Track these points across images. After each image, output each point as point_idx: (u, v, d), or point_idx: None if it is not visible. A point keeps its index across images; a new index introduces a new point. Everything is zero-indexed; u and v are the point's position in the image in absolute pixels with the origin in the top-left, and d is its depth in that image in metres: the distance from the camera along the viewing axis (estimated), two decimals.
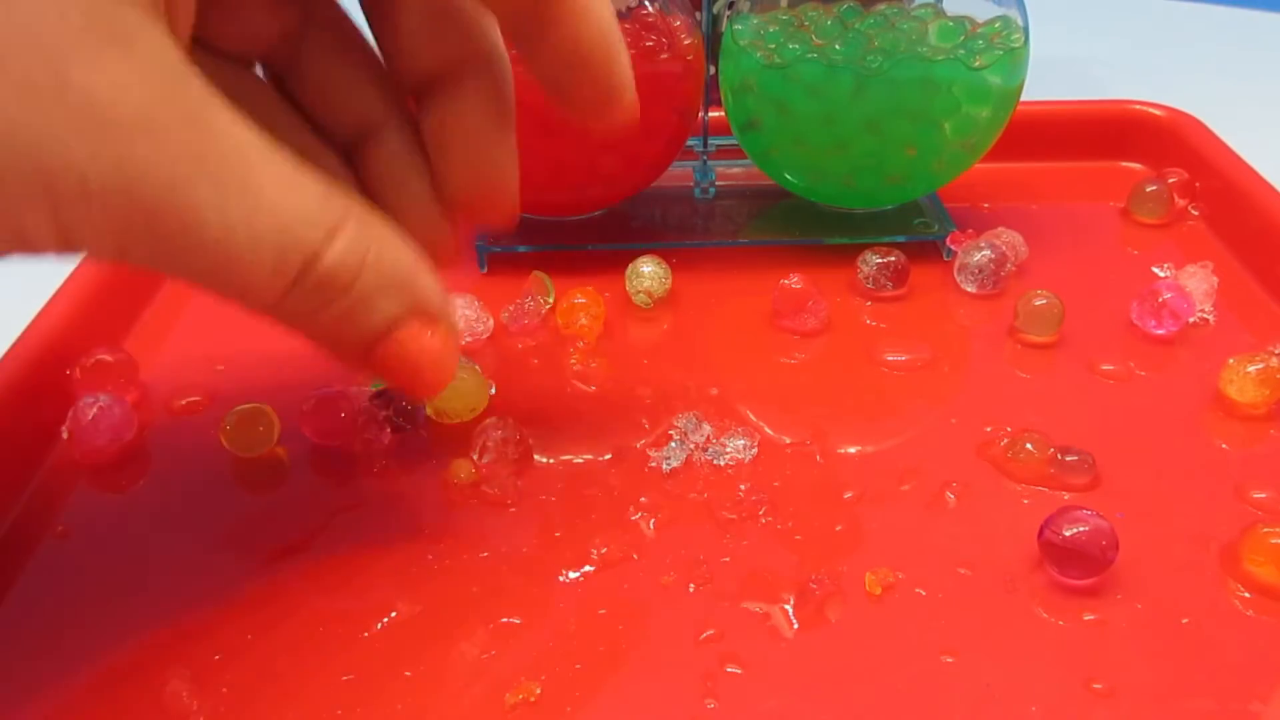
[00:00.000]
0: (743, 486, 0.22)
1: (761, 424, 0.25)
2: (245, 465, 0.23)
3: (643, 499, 0.22)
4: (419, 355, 0.17)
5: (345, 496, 0.22)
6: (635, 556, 0.21)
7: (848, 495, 0.22)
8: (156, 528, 0.22)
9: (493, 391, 0.25)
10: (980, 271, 0.29)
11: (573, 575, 0.20)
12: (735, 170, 0.35)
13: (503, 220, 0.20)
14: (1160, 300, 0.27)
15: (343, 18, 0.19)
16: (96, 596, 0.20)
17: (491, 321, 0.28)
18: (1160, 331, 0.27)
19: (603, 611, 0.20)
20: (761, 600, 0.20)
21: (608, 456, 0.23)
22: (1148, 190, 0.33)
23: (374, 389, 0.24)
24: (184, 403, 0.25)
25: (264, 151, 0.14)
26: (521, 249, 0.31)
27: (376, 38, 0.19)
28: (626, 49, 0.18)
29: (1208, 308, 0.28)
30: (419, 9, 0.18)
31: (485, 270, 0.31)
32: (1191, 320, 0.28)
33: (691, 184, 0.34)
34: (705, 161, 0.34)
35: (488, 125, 0.19)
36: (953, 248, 0.31)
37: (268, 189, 0.14)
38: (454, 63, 0.19)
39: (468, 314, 0.27)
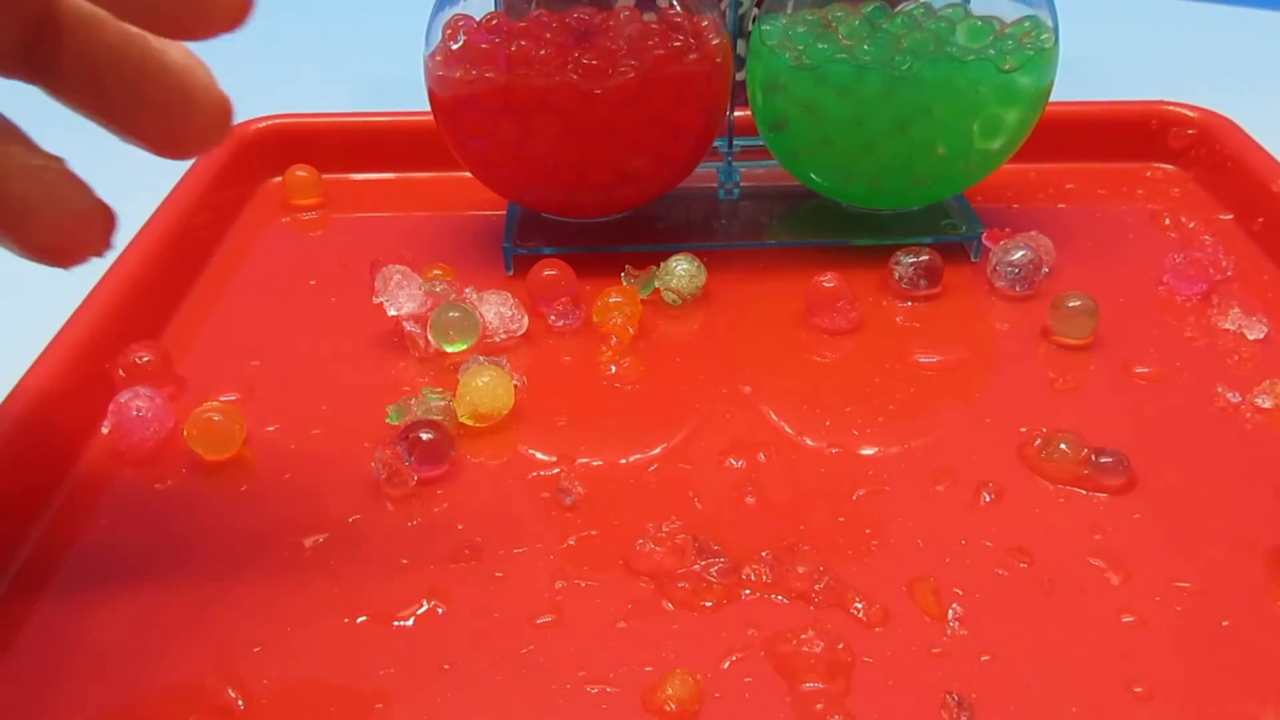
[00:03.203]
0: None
1: (783, 424, 0.25)
2: (283, 459, 0.23)
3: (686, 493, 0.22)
4: None
5: (379, 487, 0.23)
6: (678, 552, 0.21)
7: (882, 495, 0.22)
8: (195, 521, 0.22)
9: (517, 383, 0.25)
10: (1018, 270, 0.29)
11: (605, 574, 0.20)
12: (759, 171, 0.35)
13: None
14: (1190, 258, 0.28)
15: None
16: (136, 589, 0.20)
17: (526, 319, 0.28)
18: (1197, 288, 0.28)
19: (629, 608, 0.20)
20: (786, 595, 0.20)
21: (638, 457, 0.24)
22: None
23: (392, 419, 0.24)
24: (223, 400, 0.25)
25: None
26: (548, 251, 0.31)
27: None
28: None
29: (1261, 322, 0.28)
30: None
31: (511, 272, 0.31)
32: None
33: (715, 185, 0.34)
34: (730, 162, 0.34)
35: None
36: (988, 244, 0.31)
37: None
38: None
39: (504, 311, 0.28)
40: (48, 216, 0.16)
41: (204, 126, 0.18)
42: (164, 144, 0.18)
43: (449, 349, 0.27)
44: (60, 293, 0.26)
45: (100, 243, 0.17)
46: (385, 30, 0.57)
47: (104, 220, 0.17)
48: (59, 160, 0.17)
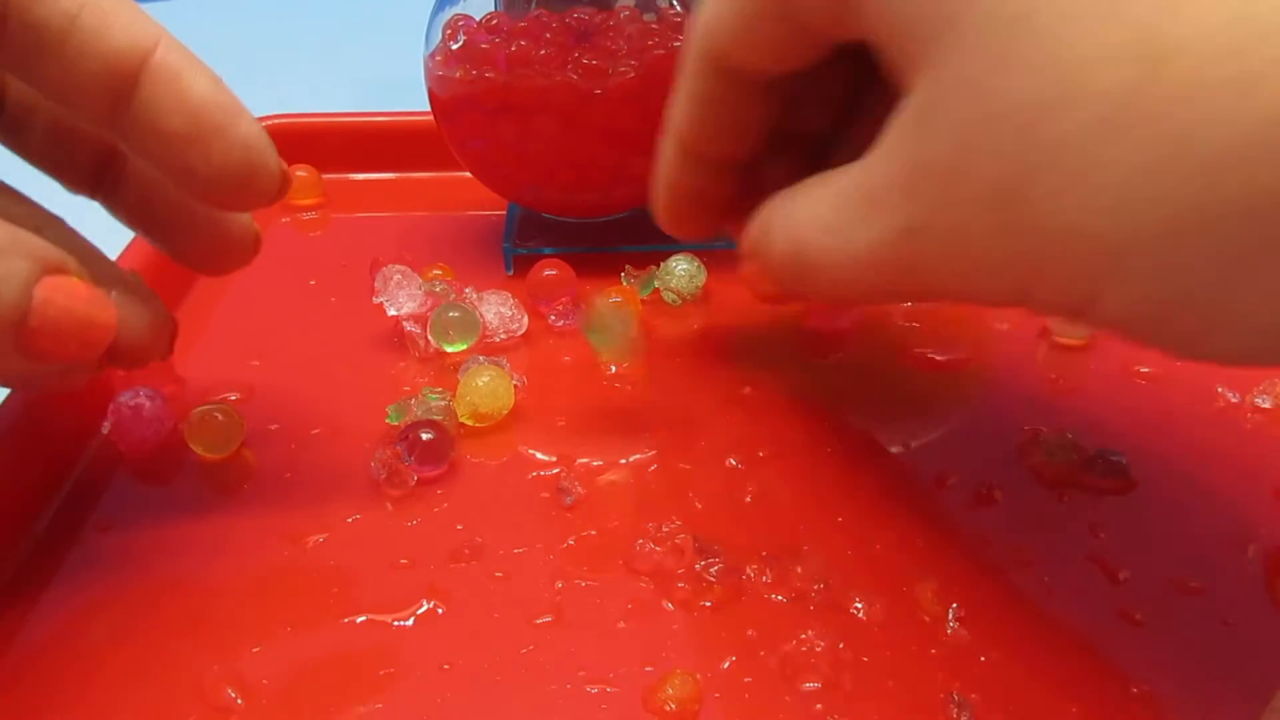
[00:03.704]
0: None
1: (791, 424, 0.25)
2: (283, 459, 0.23)
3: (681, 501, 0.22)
4: (75, 298, 0.16)
5: (379, 487, 0.23)
6: (677, 552, 0.21)
7: (882, 495, 0.22)
8: (195, 520, 0.22)
9: (517, 383, 0.25)
10: None
11: (605, 574, 0.20)
12: None
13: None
14: None
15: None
16: (136, 588, 0.20)
17: (526, 319, 0.28)
18: None
19: (630, 607, 0.20)
20: (785, 594, 0.20)
21: (638, 457, 0.24)
22: None
23: (392, 419, 0.24)
24: (223, 400, 0.25)
25: None
26: (547, 251, 0.31)
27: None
28: (247, 114, 0.18)
29: None
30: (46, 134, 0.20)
31: (511, 272, 0.31)
32: None
33: None
34: None
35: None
36: None
37: None
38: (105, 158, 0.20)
39: (504, 311, 0.28)
40: (124, 327, 0.18)
41: (237, 253, 0.21)
42: (201, 264, 0.21)
43: (449, 349, 0.27)
44: None
45: (165, 349, 0.20)
46: (385, 30, 0.57)
47: (170, 329, 0.20)
48: (136, 275, 0.20)
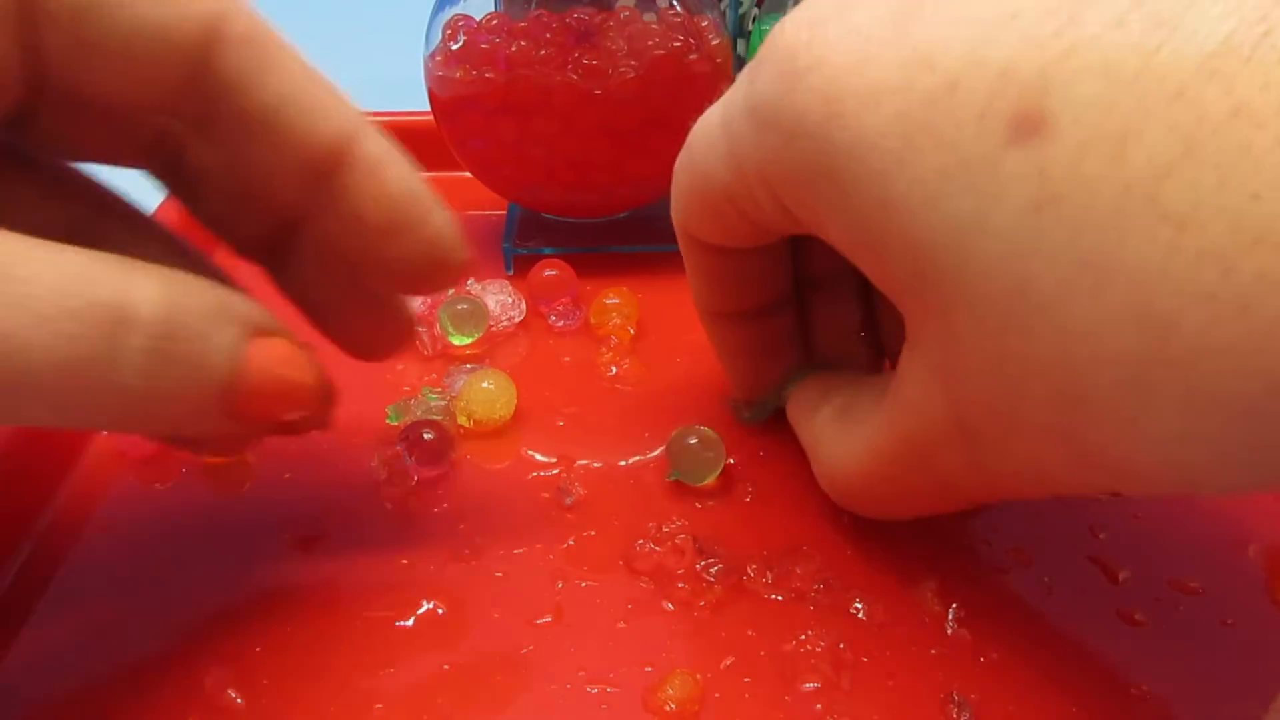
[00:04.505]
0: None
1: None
2: (283, 459, 0.23)
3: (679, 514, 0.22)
4: (282, 362, 0.16)
5: (379, 487, 0.23)
6: (680, 554, 0.21)
7: None
8: (195, 520, 0.22)
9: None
10: None
11: (605, 574, 0.20)
12: None
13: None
14: None
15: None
16: (137, 589, 0.20)
17: (524, 305, 0.28)
18: None
19: (628, 608, 0.20)
20: (787, 594, 0.20)
21: (638, 458, 0.24)
22: None
23: (392, 420, 0.24)
24: None
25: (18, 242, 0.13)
26: (548, 251, 0.31)
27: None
28: (441, 206, 0.17)
29: None
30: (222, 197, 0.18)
31: (511, 272, 0.31)
32: None
33: None
34: None
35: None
36: None
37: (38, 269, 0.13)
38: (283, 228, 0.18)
39: (504, 299, 0.28)
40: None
41: (391, 338, 0.20)
42: (356, 346, 0.20)
43: (458, 341, 0.27)
44: None
45: (325, 418, 0.18)
46: (385, 30, 0.57)
47: (330, 397, 0.18)
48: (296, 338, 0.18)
